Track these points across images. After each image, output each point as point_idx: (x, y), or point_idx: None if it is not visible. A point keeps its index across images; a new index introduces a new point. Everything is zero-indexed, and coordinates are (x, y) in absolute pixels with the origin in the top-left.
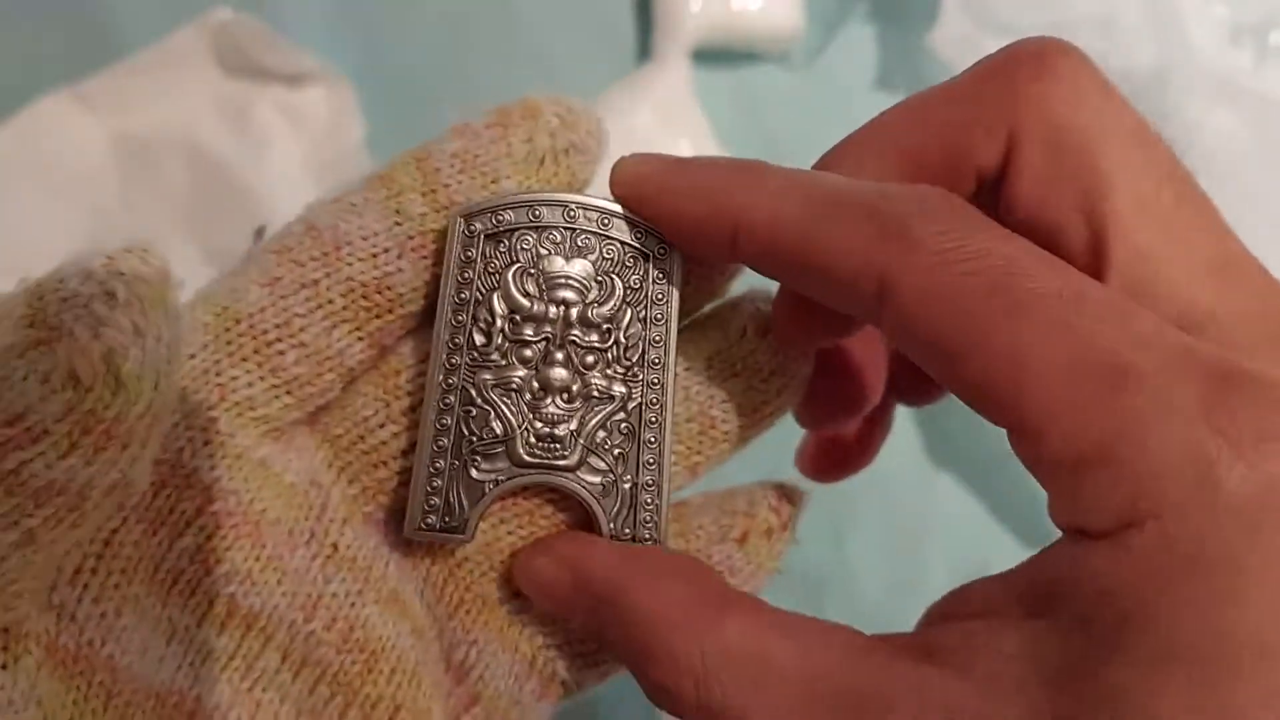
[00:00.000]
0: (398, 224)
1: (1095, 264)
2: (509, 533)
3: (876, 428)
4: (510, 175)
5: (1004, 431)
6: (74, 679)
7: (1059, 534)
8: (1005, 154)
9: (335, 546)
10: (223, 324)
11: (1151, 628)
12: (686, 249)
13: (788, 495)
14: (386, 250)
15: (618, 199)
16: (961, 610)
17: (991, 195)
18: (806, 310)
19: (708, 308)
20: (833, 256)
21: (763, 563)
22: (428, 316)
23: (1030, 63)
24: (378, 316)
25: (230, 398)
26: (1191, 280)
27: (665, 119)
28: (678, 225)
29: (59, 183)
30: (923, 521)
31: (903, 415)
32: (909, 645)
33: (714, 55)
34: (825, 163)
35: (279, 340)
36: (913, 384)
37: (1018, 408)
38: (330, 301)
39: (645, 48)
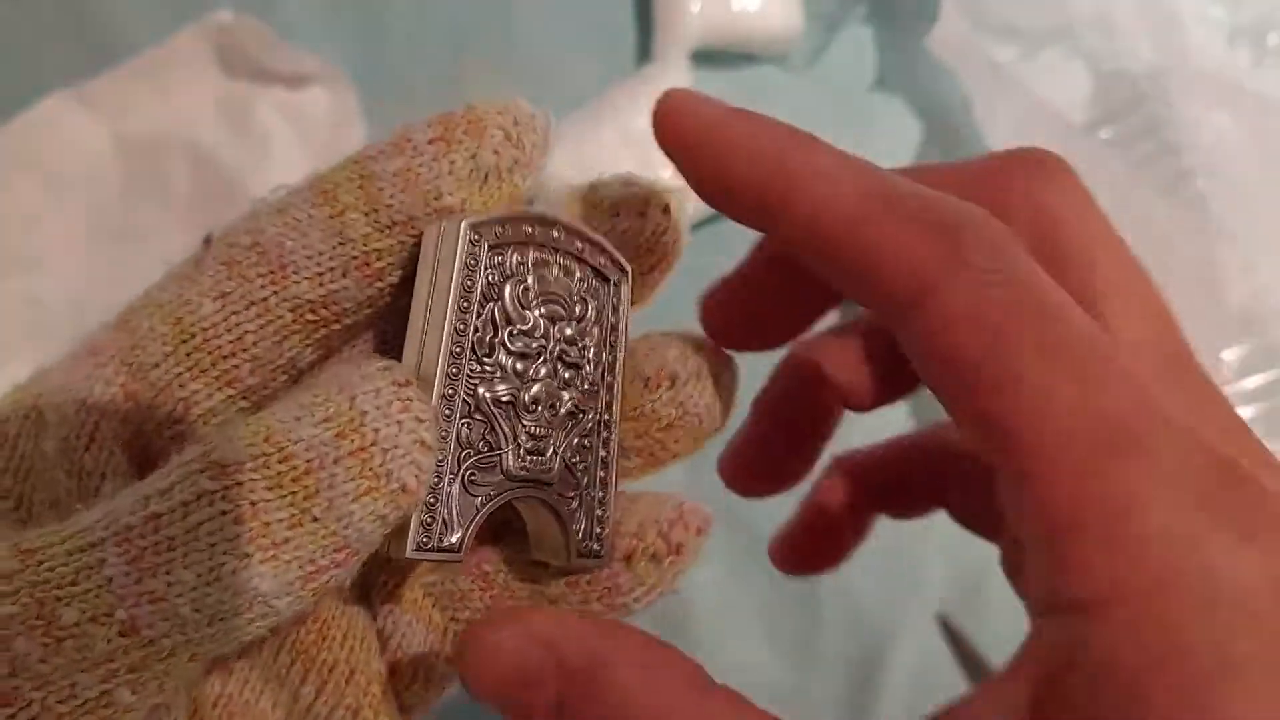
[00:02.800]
0: (341, 244)
1: None
2: None
3: (853, 536)
4: (453, 193)
5: None
6: None
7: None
8: None
9: None
10: (180, 337)
11: (1145, 708)
12: (728, 208)
13: (685, 519)
14: (331, 269)
15: (663, 140)
16: None
17: None
18: (735, 319)
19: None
20: (880, 248)
21: (652, 584)
22: (372, 321)
23: (1033, 161)
24: (325, 327)
25: (194, 410)
26: (1163, 380)
27: None
28: (725, 179)
29: (61, 183)
30: (921, 521)
31: (902, 414)
32: None
33: (713, 56)
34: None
35: (233, 355)
36: (901, 499)
37: (1022, 445)
38: (280, 317)
39: (645, 49)
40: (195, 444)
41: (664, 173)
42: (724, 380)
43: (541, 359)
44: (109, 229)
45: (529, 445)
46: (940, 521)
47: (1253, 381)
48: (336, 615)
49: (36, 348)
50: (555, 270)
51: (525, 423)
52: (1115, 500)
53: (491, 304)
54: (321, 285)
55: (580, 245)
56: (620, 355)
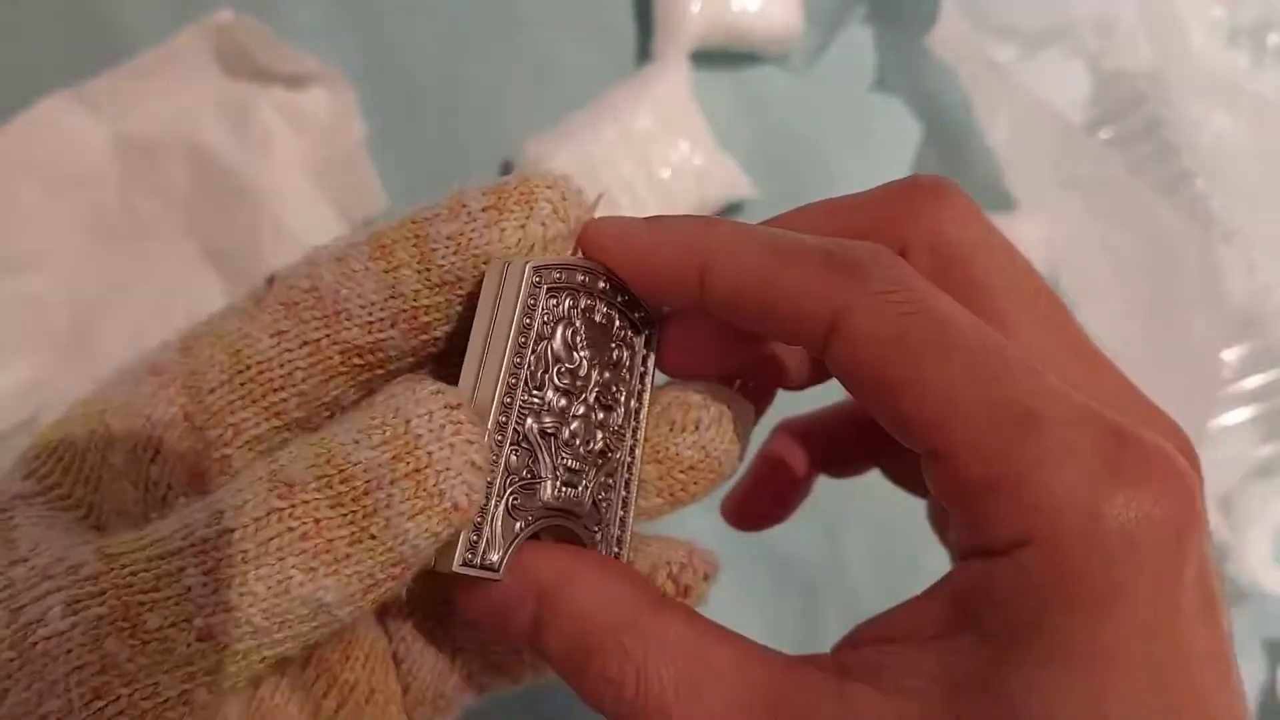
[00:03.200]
0: (392, 298)
1: None
2: None
3: (796, 493)
4: (499, 258)
5: None
6: None
7: None
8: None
9: None
10: (236, 367)
11: (1042, 637)
12: (658, 295)
13: (694, 563)
14: (381, 319)
15: (589, 258)
16: (878, 636)
17: None
18: (694, 345)
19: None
20: (791, 294)
21: None
22: (413, 369)
23: (927, 188)
24: (369, 371)
25: (241, 436)
26: (1061, 363)
27: (665, 120)
28: (650, 272)
29: (61, 182)
30: (918, 522)
31: None
32: (831, 664)
33: (713, 56)
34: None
35: (283, 389)
36: (840, 459)
37: (942, 437)
38: (329, 358)
39: (645, 49)
40: (263, 462)
41: (663, 173)
42: (742, 427)
43: (581, 398)
44: (109, 229)
45: (565, 478)
46: None
47: (1253, 381)
48: (360, 638)
49: (36, 348)
50: (599, 317)
51: (563, 456)
52: (1018, 467)
53: (544, 342)
54: (371, 333)
55: (620, 297)
56: (645, 402)
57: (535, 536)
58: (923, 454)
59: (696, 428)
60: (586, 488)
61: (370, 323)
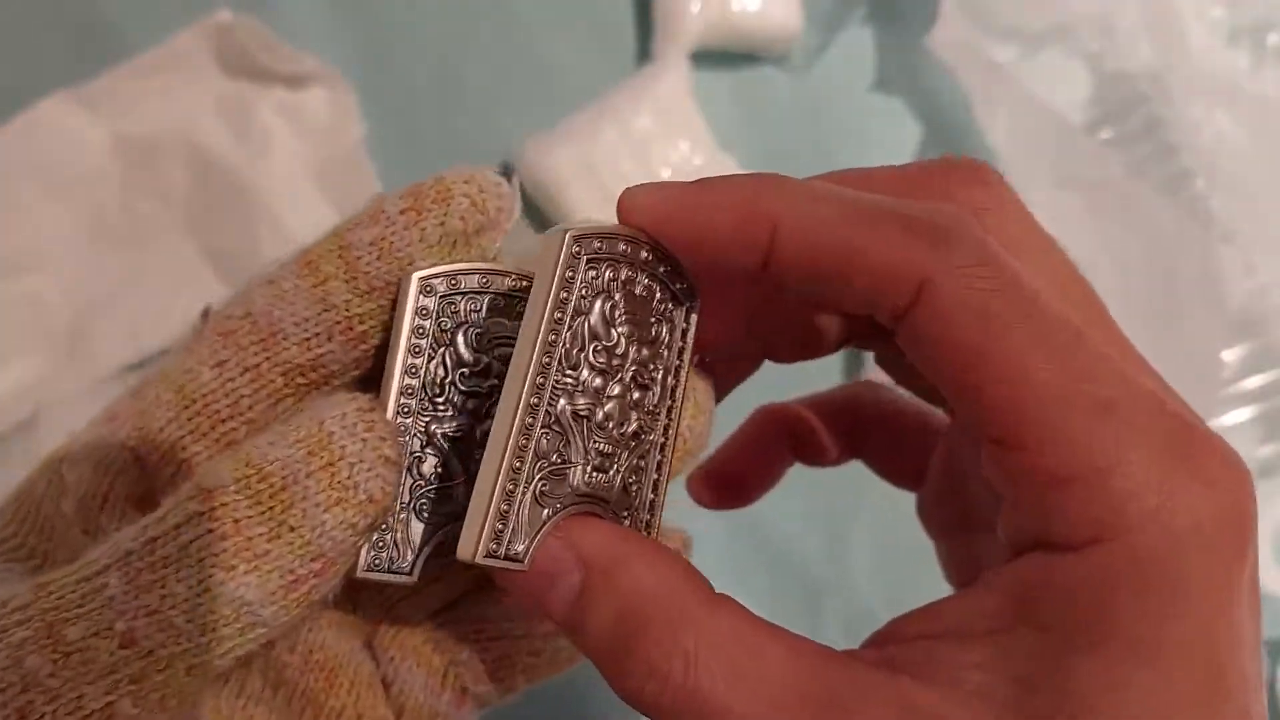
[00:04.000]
0: (325, 311)
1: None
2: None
3: (769, 477)
4: (423, 258)
5: None
6: None
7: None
8: None
9: None
10: (182, 403)
11: (1112, 630)
12: (717, 260)
13: (669, 538)
14: (317, 334)
15: (633, 225)
16: (925, 630)
17: None
18: (725, 316)
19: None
20: (873, 259)
21: None
22: (356, 383)
23: (966, 169)
24: (313, 387)
25: (197, 471)
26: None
27: (664, 120)
28: (709, 237)
29: (60, 183)
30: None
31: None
32: (877, 659)
33: (713, 57)
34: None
35: (230, 418)
36: (820, 448)
37: (1017, 420)
38: (272, 381)
39: (645, 49)
40: (189, 481)
41: (663, 172)
42: (707, 405)
43: (618, 377)
44: (109, 229)
45: (597, 462)
46: None
47: (1253, 381)
48: (343, 664)
49: (36, 348)
50: (640, 290)
51: (596, 439)
52: (1098, 461)
53: (582, 318)
54: (309, 349)
55: (663, 267)
56: (683, 381)
57: None
58: (988, 440)
59: (685, 392)
60: (618, 472)
61: (307, 339)
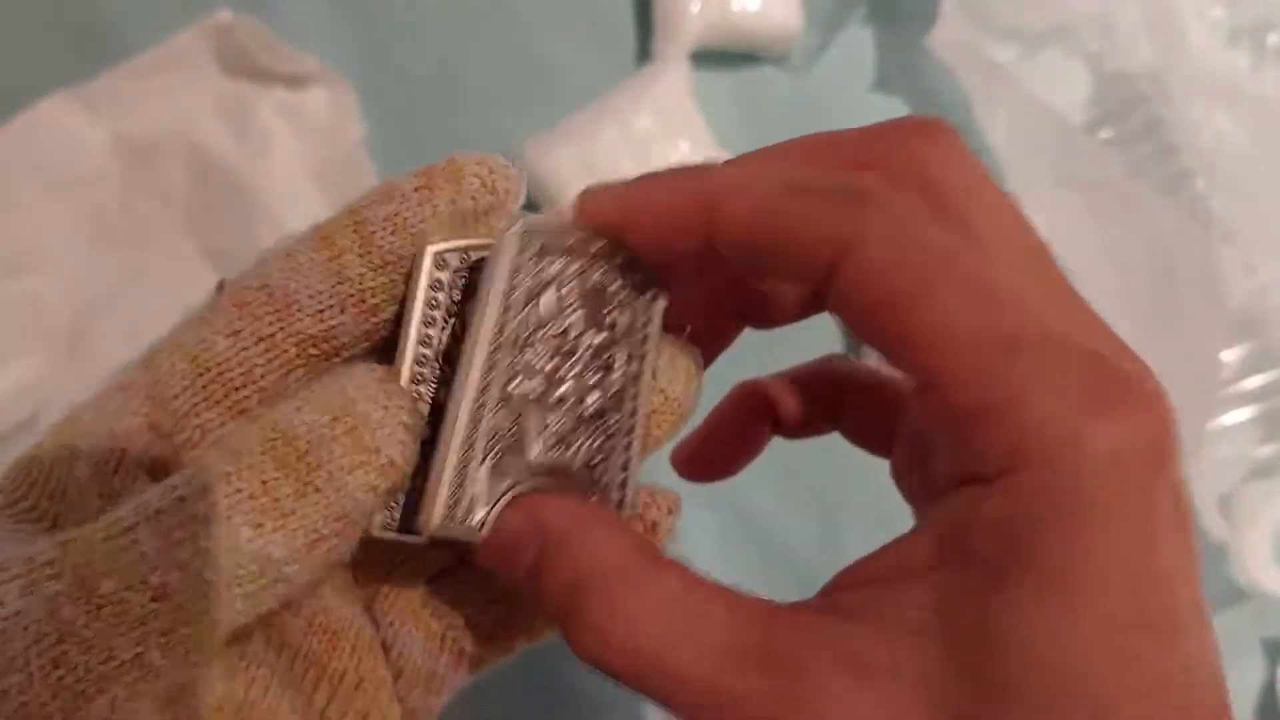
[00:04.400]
0: (339, 284)
1: None
2: None
3: (749, 449)
4: (436, 233)
5: None
6: None
7: None
8: None
9: None
10: (196, 371)
11: (1029, 562)
12: (662, 244)
13: (657, 501)
14: (330, 307)
15: (588, 228)
16: (870, 575)
17: None
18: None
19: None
20: (795, 232)
21: None
22: (368, 355)
23: (917, 126)
24: (325, 359)
25: (208, 437)
26: (1044, 303)
27: (665, 120)
28: (652, 222)
29: (61, 183)
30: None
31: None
32: (823, 607)
33: (713, 57)
34: (729, 165)
35: (244, 387)
36: (798, 420)
37: (936, 362)
38: (285, 351)
39: (645, 49)
40: (214, 447)
41: None
42: (694, 369)
43: (572, 361)
44: (109, 229)
45: (553, 440)
46: None
47: (1253, 382)
48: (345, 627)
49: (36, 348)
50: (594, 280)
51: (551, 419)
52: (1008, 393)
53: (531, 306)
54: (322, 321)
55: (620, 259)
56: (648, 366)
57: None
58: (917, 386)
59: (654, 374)
60: (579, 450)
61: (321, 311)
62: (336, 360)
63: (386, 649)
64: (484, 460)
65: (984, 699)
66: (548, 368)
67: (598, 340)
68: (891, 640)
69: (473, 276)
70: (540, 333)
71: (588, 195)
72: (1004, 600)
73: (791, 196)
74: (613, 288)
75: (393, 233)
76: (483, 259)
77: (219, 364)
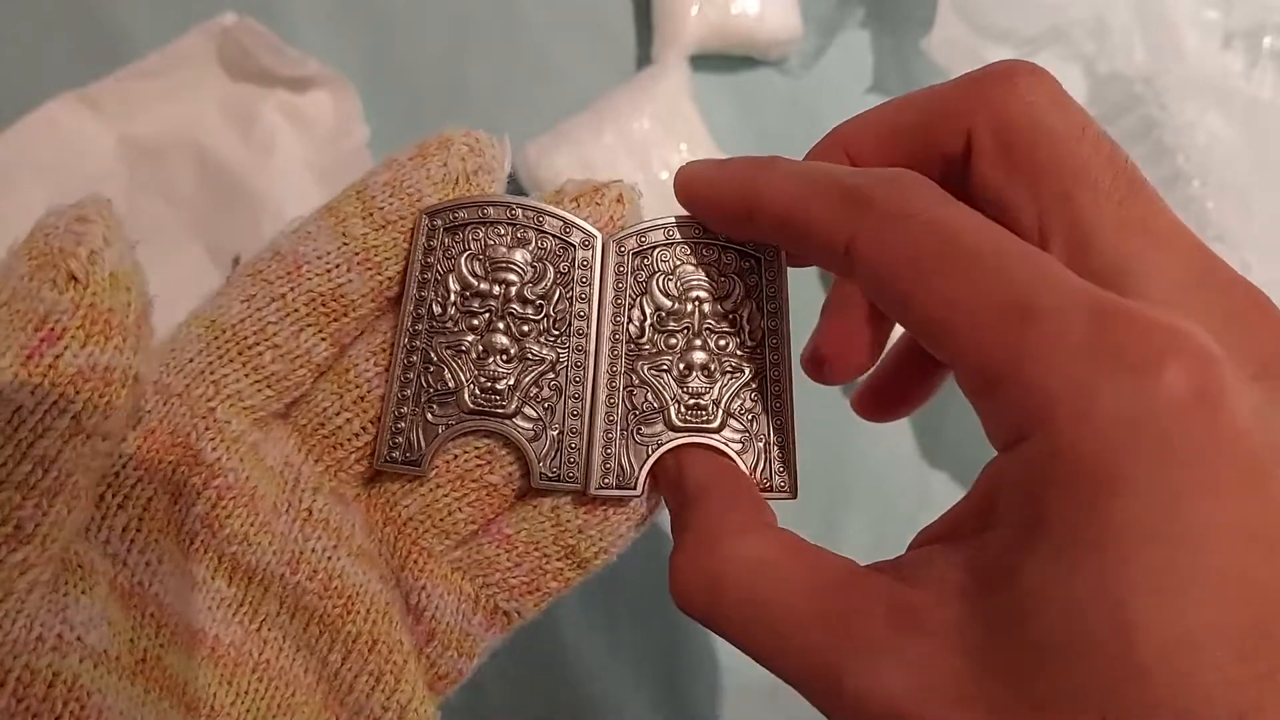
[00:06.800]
0: (345, 244)
1: (1041, 234)
2: (445, 495)
3: (923, 385)
4: (431, 194)
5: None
6: (131, 609)
7: None
8: (966, 145)
9: (310, 511)
10: (212, 334)
11: (1050, 525)
12: (726, 227)
13: (602, 189)
14: (338, 266)
15: (684, 203)
16: (929, 538)
17: (961, 179)
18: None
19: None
20: (815, 224)
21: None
22: (377, 318)
23: (998, 76)
24: (335, 319)
25: (223, 392)
26: (1120, 238)
27: (665, 122)
28: (718, 210)
29: (66, 185)
30: (916, 518)
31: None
32: (888, 567)
33: (712, 60)
34: (818, 146)
35: (258, 344)
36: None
37: (950, 340)
38: (296, 310)
39: (645, 52)
40: None
41: (662, 175)
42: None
43: (496, 314)
44: None
45: (485, 386)
46: (934, 517)
47: None
48: (360, 591)
49: None
50: (510, 242)
51: (481, 369)
52: (1016, 359)
53: (449, 274)
54: (331, 279)
55: (541, 220)
56: (592, 308)
57: (453, 456)
58: (946, 361)
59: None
60: (513, 392)
61: (329, 270)
62: (346, 319)
63: (419, 613)
64: (421, 408)
65: (1017, 655)
66: (472, 324)
67: (524, 294)
68: (934, 600)
69: (466, 232)
70: (459, 296)
71: (685, 171)
72: (1027, 563)
73: (808, 195)
74: (534, 245)
75: (391, 195)
76: (479, 214)
77: (234, 325)
